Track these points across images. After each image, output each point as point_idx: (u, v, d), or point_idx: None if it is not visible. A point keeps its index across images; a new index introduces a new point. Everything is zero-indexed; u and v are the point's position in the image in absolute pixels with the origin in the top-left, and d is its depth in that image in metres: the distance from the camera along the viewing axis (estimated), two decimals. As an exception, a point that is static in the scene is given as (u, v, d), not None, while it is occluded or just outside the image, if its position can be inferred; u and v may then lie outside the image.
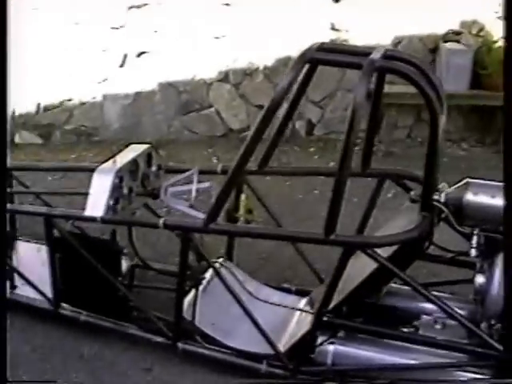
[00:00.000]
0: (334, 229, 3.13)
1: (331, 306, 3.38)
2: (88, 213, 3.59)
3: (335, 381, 3.39)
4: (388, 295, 3.62)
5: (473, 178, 3.39)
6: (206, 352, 3.64)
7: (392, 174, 3.82)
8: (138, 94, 7.04)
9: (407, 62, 3.28)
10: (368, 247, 3.17)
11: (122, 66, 6.90)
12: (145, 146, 4.00)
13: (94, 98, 7.01)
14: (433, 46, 7.07)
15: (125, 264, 4.06)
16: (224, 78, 6.97)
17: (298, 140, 7.13)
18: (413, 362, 3.35)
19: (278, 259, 4.68)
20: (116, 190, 3.61)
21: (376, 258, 3.18)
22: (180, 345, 3.68)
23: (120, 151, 3.96)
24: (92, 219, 3.59)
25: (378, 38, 6.89)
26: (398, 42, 7.05)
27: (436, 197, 3.31)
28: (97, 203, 3.57)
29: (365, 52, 3.18)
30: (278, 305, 3.77)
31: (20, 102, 6.84)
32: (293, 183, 5.96)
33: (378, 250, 3.22)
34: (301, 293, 4.06)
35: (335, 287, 3.27)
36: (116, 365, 3.83)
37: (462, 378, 3.30)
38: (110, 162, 3.75)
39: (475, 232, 3.29)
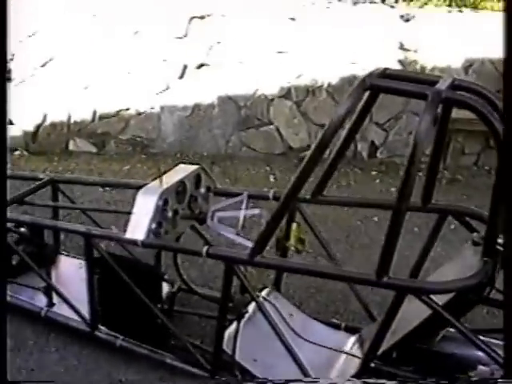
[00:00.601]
0: (387, 270, 2.90)
1: (380, 351, 3.13)
2: (129, 235, 3.42)
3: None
4: (445, 341, 3.34)
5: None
6: (245, 389, 3.42)
7: (454, 210, 3.55)
8: (196, 107, 6.87)
9: (476, 93, 3.06)
10: (422, 293, 2.92)
11: (181, 77, 6.74)
12: (194, 167, 3.81)
13: (151, 108, 6.87)
14: (505, 70, 6.72)
15: (166, 289, 3.93)
16: (286, 94, 6.76)
17: (359, 162, 6.90)
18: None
19: (330, 291, 4.46)
20: (160, 213, 3.44)
21: (430, 305, 2.92)
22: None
23: (168, 170, 3.79)
24: (133, 242, 3.42)
25: (449, 60, 6.64)
26: (469, 64, 6.74)
27: (501, 240, 3.04)
28: (139, 226, 3.41)
29: (431, 80, 2.96)
30: (323, 346, 3.52)
31: (76, 109, 6.74)
32: (352, 209, 5.72)
33: (434, 296, 2.97)
34: (350, 330, 3.82)
35: (386, 332, 3.03)
36: (151, 394, 3.65)
37: None
38: (157, 181, 3.58)
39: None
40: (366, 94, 3.12)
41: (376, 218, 5.55)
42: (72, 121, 6.80)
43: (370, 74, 2.97)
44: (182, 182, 3.64)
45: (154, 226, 3.39)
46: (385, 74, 3.04)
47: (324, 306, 4.37)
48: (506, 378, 2.39)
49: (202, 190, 3.83)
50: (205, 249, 3.28)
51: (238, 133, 6.95)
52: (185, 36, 6.70)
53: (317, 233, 3.85)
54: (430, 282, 3.25)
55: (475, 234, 3.23)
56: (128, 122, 6.96)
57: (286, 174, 6.31)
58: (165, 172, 3.75)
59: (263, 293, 3.85)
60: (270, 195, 3.81)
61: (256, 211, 3.45)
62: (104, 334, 3.81)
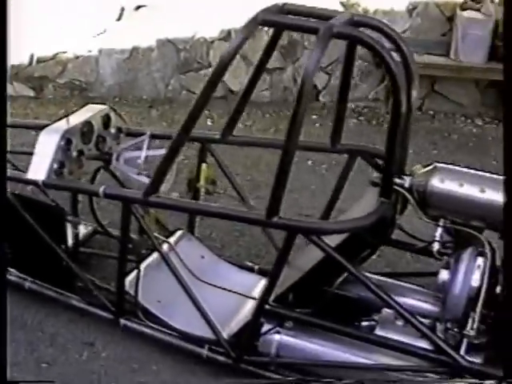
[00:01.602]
0: (277, 211, 2.84)
1: (277, 293, 3.09)
2: (30, 175, 3.35)
3: (277, 372, 3.12)
4: (352, 283, 3.31)
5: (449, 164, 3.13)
6: (148, 331, 3.41)
7: (362, 150, 3.49)
8: (134, 50, 6.72)
9: (377, 30, 2.98)
10: (312, 233, 2.87)
11: (119, 19, 6.58)
12: (102, 107, 3.73)
13: (89, 51, 6.72)
14: (450, 13, 6.62)
15: (83, 231, 3.91)
16: (226, 36, 6.62)
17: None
18: (362, 360, 3.06)
19: (253, 235, 4.40)
20: (62, 153, 3.35)
21: (321, 246, 2.88)
22: (122, 321, 3.45)
23: (76, 110, 3.70)
24: (33, 183, 3.34)
25: (392, 3, 6.53)
26: (412, 7, 6.63)
27: (400, 181, 2.99)
28: (40, 166, 3.34)
29: (329, 16, 2.87)
30: (223, 288, 3.48)
31: (14, 53, 6.56)
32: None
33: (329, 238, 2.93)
34: (264, 272, 3.76)
35: (279, 273, 2.98)
36: (58, 336, 3.63)
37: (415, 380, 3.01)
38: (62, 121, 3.49)
39: (440, 223, 2.97)
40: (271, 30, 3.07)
41: (310, 162, 5.48)
42: (9, 64, 6.62)
43: (266, 9, 2.89)
44: (88, 122, 3.56)
45: (55, 166, 3.31)
46: (283, 9, 2.96)
47: (246, 250, 4.31)
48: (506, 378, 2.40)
49: (112, 131, 3.74)
50: (101, 189, 3.21)
51: (177, 76, 6.82)
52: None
53: (228, 174, 3.79)
54: (320, 222, 3.21)
55: (374, 175, 3.18)
56: (65, 66, 6.81)
57: (224, 117, 6.18)
58: (72, 112, 3.66)
59: (176, 234, 3.80)
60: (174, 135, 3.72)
61: (162, 151, 3.37)
62: (14, 277, 3.73)
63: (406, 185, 2.98)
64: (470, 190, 2.89)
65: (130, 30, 6.64)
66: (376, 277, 3.47)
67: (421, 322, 2.92)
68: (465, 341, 2.89)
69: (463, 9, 6.50)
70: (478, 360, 2.94)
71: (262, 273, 3.79)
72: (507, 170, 2.41)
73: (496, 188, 2.88)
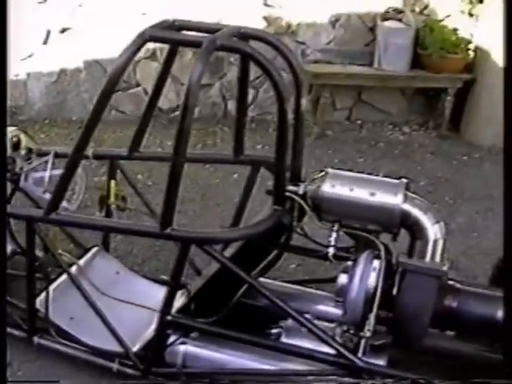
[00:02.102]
0: (170, 222, 2.89)
1: (179, 305, 3.14)
2: None
3: (186, 383, 3.16)
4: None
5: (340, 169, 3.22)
6: (61, 348, 3.42)
7: (264, 161, 3.55)
8: (62, 72, 6.75)
9: (264, 41, 3.05)
10: (204, 243, 2.92)
11: (45, 42, 6.60)
12: (11, 129, 3.74)
13: (16, 75, 6.72)
14: (372, 24, 6.77)
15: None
16: (151, 55, 6.68)
17: (229, 121, 6.86)
18: (268, 367, 3.10)
19: (171, 249, 4.42)
20: None
21: (214, 256, 2.93)
22: (36, 339, 3.45)
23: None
24: None
25: (315, 16, 6.63)
26: (335, 19, 6.75)
27: (294, 188, 3.05)
28: None
29: (217, 29, 2.94)
30: (129, 302, 3.52)
31: None
32: (213, 167, 5.71)
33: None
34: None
35: (176, 285, 3.03)
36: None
37: (319, 384, 3.06)
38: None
39: (334, 228, 3.04)
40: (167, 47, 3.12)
41: (236, 175, 5.54)
42: None
43: (154, 25, 2.95)
44: (-6, 145, 3.56)
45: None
46: (173, 25, 3.02)
47: (165, 264, 4.34)
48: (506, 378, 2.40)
49: (22, 152, 3.76)
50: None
51: (106, 97, 6.83)
52: (45, 1, 6.55)
53: (137, 189, 3.83)
54: (212, 231, 3.26)
55: (269, 183, 3.24)
56: (-6, 90, 6.80)
57: (154, 135, 6.24)
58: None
59: (91, 251, 3.83)
60: (90, 154, 3.76)
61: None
62: None
63: (300, 192, 3.04)
64: (359, 194, 2.96)
65: (56, 52, 6.67)
66: (284, 284, 3.54)
67: (318, 328, 2.96)
68: (363, 342, 2.93)
69: (384, 19, 6.65)
70: (380, 362, 2.99)
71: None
72: (507, 171, 2.46)
73: (386, 191, 2.97)
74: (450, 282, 3.09)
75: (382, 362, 3.01)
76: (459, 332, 3.13)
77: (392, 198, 2.94)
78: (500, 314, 2.96)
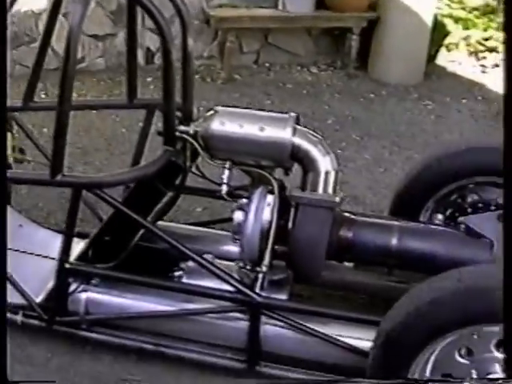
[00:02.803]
0: (60, 168, 2.85)
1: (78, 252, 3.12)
2: None
3: (88, 330, 3.15)
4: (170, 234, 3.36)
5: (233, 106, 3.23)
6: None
7: (160, 104, 3.52)
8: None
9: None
10: (95, 188, 2.90)
11: None
12: None
13: None
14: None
15: None
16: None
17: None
18: (170, 308, 3.10)
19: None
20: None
21: (106, 200, 2.91)
22: None
23: None
24: None
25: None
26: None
27: (184, 128, 3.04)
28: None
29: None
30: (27, 253, 3.47)
31: None
32: (119, 117, 5.64)
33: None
34: (83, 236, 3.75)
35: (71, 233, 3.01)
36: None
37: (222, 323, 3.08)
38: None
39: (226, 166, 3.04)
40: None
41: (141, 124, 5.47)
42: None
43: None
44: None
45: None
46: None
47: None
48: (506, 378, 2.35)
49: None
50: None
51: (8, 51, 6.67)
52: None
53: (34, 140, 3.77)
54: (101, 176, 3.23)
55: (160, 125, 3.22)
56: None
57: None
58: None
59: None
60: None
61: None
62: None
63: (191, 131, 3.04)
64: (249, 130, 2.97)
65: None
66: (186, 227, 3.55)
67: (216, 266, 2.98)
68: (260, 278, 2.96)
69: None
70: (281, 296, 3.02)
71: (80, 236, 3.78)
72: (507, 169, 2.34)
73: (274, 125, 2.98)
74: (345, 214, 3.13)
75: (283, 297, 3.04)
76: (357, 262, 3.19)
77: (281, 132, 2.96)
78: (394, 241, 3.02)
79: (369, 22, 6.69)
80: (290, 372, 3.03)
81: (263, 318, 2.98)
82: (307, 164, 2.98)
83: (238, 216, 3.02)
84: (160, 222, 3.47)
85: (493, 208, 3.37)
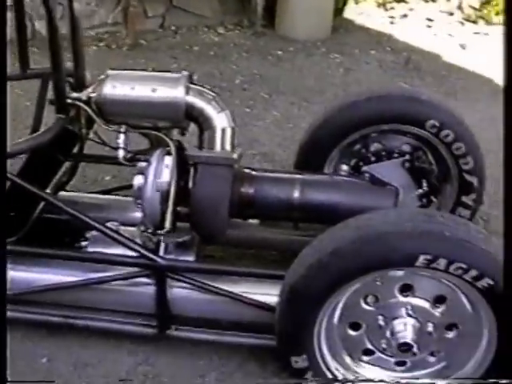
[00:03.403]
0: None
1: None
2: None
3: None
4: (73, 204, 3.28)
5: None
6: None
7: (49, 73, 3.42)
8: None
9: None
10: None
11: None
12: None
13: None
14: None
15: None
16: None
17: (38, 41, 6.58)
18: (76, 279, 3.04)
19: None
20: None
21: None
22: None
23: None
24: None
25: None
26: None
27: (76, 95, 2.96)
28: None
29: None
30: None
31: None
32: (25, 90, 5.47)
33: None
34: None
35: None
36: None
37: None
38: None
39: (122, 130, 2.98)
40: None
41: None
42: None
43: None
44: None
45: None
46: None
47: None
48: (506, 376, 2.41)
49: None
50: None
51: None
52: None
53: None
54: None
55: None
56: None
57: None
58: None
59: None
60: None
61: None
62: None
63: (84, 97, 2.96)
64: (141, 92, 2.92)
65: None
66: (91, 195, 3.49)
67: (119, 233, 2.93)
68: (163, 240, 2.92)
69: None
70: (188, 258, 2.99)
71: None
72: (507, 168, 2.33)
73: (167, 85, 2.94)
74: (246, 170, 3.10)
75: (189, 258, 3.01)
76: (261, 219, 3.17)
77: (173, 92, 2.92)
78: (296, 194, 3.00)
79: (273, -23, 6.57)
80: (202, 334, 3.02)
81: (171, 282, 2.94)
82: (202, 122, 2.95)
83: (138, 180, 2.97)
84: (63, 193, 3.40)
85: (396, 155, 3.37)
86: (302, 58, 6.27)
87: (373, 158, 3.42)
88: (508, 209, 2.24)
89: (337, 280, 2.49)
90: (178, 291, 2.97)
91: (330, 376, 2.73)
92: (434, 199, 3.54)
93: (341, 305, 2.63)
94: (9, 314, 2.95)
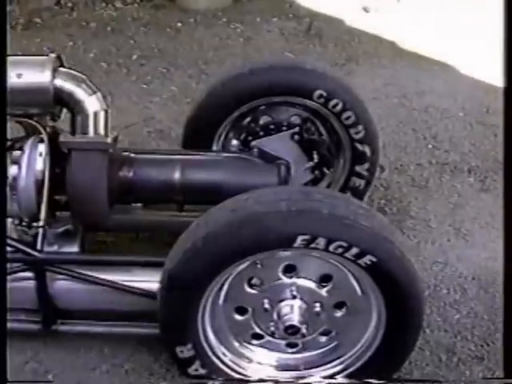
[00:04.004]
0: None
1: None
2: None
3: None
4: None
5: None
6: None
7: None
8: None
9: None
10: None
11: None
12: None
13: None
14: None
15: None
16: None
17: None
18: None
19: None
20: None
21: None
22: None
23: None
24: None
25: None
26: None
27: None
28: None
29: None
30: None
31: None
32: None
33: None
34: None
35: None
36: None
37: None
38: None
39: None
40: None
41: None
42: None
43: None
44: None
45: None
46: None
47: None
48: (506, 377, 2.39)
49: None
50: None
51: None
52: None
53: None
54: None
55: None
56: None
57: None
58: None
59: None
60: None
61: None
62: None
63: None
64: (7, 78, 2.76)
65: None
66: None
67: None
68: (40, 233, 2.80)
69: None
70: (72, 249, 2.89)
71: None
72: (507, 167, 2.35)
73: (32, 70, 2.83)
74: (124, 153, 2.99)
75: (73, 249, 2.90)
76: (143, 202, 3.08)
77: (40, 76, 2.79)
78: (177, 176, 2.92)
79: None
80: (89, 326, 2.94)
81: (53, 275, 2.82)
82: (74, 106, 2.84)
83: (13, 170, 2.84)
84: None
85: (284, 128, 3.30)
86: (202, 30, 6.14)
87: (261, 132, 3.35)
88: (508, 209, 2.26)
89: (213, 265, 2.41)
90: (61, 284, 2.87)
91: (218, 363, 2.65)
92: (326, 171, 3.47)
93: (224, 290, 2.57)
94: None
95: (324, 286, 2.54)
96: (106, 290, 2.80)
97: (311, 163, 3.35)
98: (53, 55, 2.86)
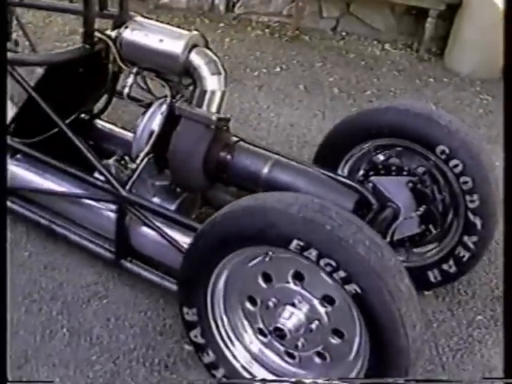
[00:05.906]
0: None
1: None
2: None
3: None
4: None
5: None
6: None
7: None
8: None
9: None
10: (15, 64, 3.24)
11: None
12: None
13: None
14: None
15: None
16: None
17: (216, 16, 7.08)
18: (64, 190, 3.39)
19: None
20: None
21: (16, 79, 3.22)
22: None
23: None
24: None
25: None
26: None
27: (108, 32, 3.31)
28: None
29: None
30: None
31: None
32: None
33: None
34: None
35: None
36: None
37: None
38: None
39: (133, 71, 3.28)
40: None
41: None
42: None
43: None
44: None
45: None
46: None
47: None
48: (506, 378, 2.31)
49: None
50: None
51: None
52: None
53: (26, 32, 4.12)
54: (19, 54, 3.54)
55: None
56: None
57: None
58: None
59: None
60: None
61: None
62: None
63: (113, 35, 3.29)
64: (151, 40, 3.19)
65: None
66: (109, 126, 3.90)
67: (95, 158, 3.25)
68: (134, 175, 3.20)
69: None
70: (171, 206, 3.29)
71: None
72: (507, 166, 2.30)
73: (173, 39, 3.20)
74: (232, 138, 3.28)
75: (171, 207, 3.26)
76: (229, 185, 3.34)
77: (176, 46, 3.15)
78: (265, 171, 3.15)
79: (447, 5, 6.45)
80: (148, 272, 3.26)
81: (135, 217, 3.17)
82: (196, 80, 3.17)
83: (141, 118, 3.24)
84: (97, 120, 3.78)
85: (404, 173, 3.35)
86: (448, 91, 6.14)
87: (382, 171, 3.41)
88: (508, 212, 2.21)
89: (221, 243, 2.60)
90: (140, 227, 3.22)
91: (216, 333, 2.83)
92: (433, 229, 3.45)
93: (228, 273, 2.74)
94: (8, 204, 3.35)
95: (326, 307, 2.58)
96: (173, 249, 3.07)
97: (418, 213, 3.34)
98: (196, 32, 3.21)
